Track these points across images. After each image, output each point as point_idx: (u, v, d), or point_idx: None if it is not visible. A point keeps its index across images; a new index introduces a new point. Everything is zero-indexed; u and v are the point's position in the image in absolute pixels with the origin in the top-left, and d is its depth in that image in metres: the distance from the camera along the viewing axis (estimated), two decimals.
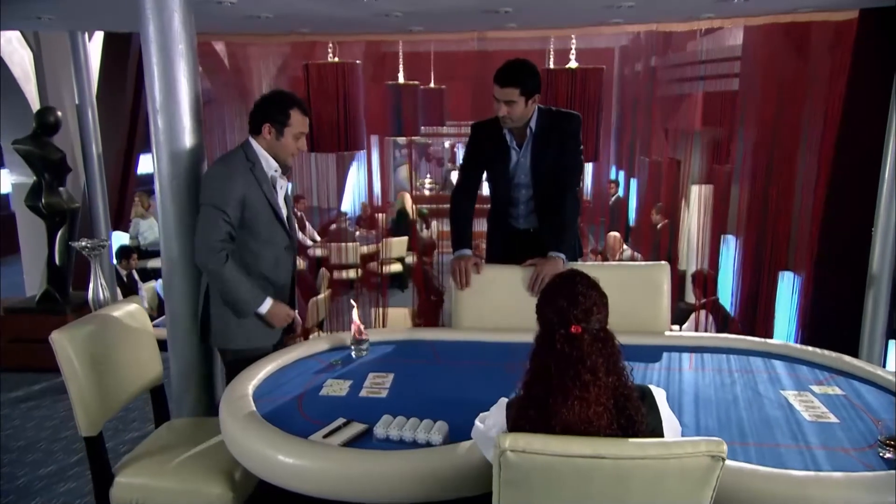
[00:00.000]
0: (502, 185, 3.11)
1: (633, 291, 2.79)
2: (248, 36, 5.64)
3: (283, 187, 2.76)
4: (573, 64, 4.97)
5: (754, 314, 4.90)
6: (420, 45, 7.78)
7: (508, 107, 2.83)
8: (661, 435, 1.57)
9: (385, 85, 6.90)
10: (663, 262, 2.97)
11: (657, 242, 7.10)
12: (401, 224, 9.00)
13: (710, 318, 4.88)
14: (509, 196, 3.12)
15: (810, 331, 4.48)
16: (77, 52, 4.94)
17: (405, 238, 8.66)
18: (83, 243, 4.19)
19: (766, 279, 4.89)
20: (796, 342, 4.40)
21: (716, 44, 6.71)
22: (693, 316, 4.93)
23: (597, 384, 1.51)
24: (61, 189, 4.91)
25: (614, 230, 7.77)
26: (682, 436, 1.66)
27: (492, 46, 5.97)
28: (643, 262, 3.09)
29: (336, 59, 4.94)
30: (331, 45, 5.04)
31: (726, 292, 5.65)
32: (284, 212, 2.76)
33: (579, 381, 1.51)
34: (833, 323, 4.22)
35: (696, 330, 4.84)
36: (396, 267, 8.43)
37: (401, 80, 6.91)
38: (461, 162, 3.28)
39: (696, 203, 6.56)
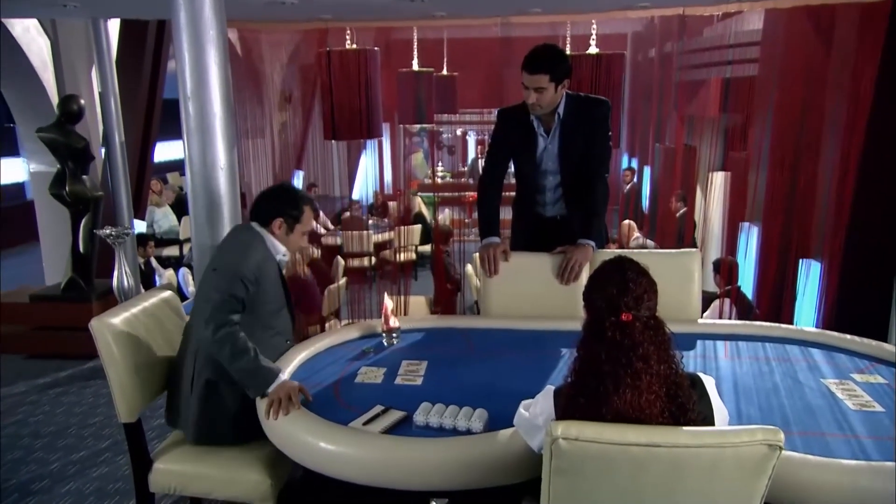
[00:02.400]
0: (529, 173, 3.08)
1: (664, 278, 2.73)
2: (262, 23, 5.59)
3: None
4: (593, 49, 4.90)
5: (780, 302, 4.85)
6: (430, 32, 7.68)
7: (538, 93, 2.79)
8: (712, 423, 1.56)
9: (397, 72, 6.82)
10: (694, 250, 2.94)
11: (677, 230, 7.03)
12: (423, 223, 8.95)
13: (734, 307, 4.82)
14: (536, 183, 3.09)
15: (835, 319, 4.43)
16: (100, 39, 4.93)
17: (418, 226, 8.62)
18: (108, 231, 4.21)
19: (790, 267, 4.83)
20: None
21: (734, 28, 6.60)
22: (717, 304, 4.88)
23: (649, 372, 1.50)
24: (84, 177, 4.93)
25: (629, 218, 7.69)
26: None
27: (503, 32, 5.89)
28: (674, 250, 3.06)
29: (355, 46, 4.91)
30: (348, 31, 5.01)
31: (746, 280, 5.59)
32: None
33: (631, 369, 1.50)
34: (859, 311, 4.17)
35: (721, 318, 4.79)
36: (410, 255, 8.39)
37: (415, 66, 6.83)
38: (486, 149, 3.24)
39: (715, 190, 6.49)
